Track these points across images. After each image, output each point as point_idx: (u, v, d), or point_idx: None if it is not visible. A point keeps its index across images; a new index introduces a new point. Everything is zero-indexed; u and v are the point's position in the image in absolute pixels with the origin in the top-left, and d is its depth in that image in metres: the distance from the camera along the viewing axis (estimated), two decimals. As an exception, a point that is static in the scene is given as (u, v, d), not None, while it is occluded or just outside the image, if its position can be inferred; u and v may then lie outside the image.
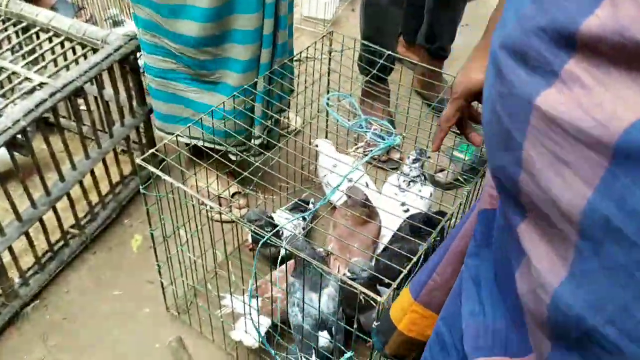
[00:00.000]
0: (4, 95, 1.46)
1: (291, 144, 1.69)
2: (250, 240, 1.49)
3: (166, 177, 1.09)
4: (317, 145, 1.63)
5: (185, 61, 1.45)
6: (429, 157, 1.53)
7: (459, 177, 1.75)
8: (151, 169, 1.10)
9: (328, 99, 1.30)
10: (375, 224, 1.45)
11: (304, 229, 1.55)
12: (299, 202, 1.64)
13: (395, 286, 0.93)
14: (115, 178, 1.66)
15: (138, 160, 1.12)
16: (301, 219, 1.57)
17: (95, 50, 1.57)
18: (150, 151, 1.15)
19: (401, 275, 0.95)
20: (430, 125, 1.54)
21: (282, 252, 1.45)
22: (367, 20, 1.82)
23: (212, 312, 1.29)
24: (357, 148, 1.21)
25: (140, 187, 1.15)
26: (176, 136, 1.22)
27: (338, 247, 1.43)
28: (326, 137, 1.71)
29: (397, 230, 1.44)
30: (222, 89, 1.49)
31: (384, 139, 1.19)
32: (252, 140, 1.53)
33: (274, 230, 1.04)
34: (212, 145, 1.42)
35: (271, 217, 1.45)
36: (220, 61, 1.45)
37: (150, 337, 1.39)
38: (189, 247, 1.25)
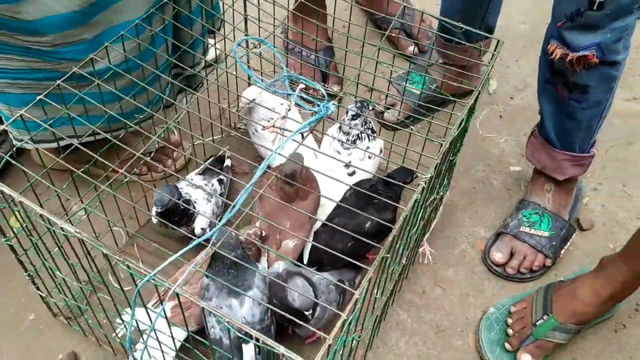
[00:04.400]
0: None
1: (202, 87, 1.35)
2: (155, 218, 1.19)
3: (3, 188, 0.76)
4: (249, 101, 1.23)
5: (66, 54, 1.00)
6: (373, 109, 1.21)
7: (412, 115, 1.48)
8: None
9: (238, 44, 0.95)
10: (312, 194, 1.17)
11: (221, 195, 1.26)
12: (212, 162, 1.33)
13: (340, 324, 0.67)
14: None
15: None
16: (217, 183, 1.27)
17: None
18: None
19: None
20: (377, 53, 1.19)
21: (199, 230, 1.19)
22: None
23: (107, 333, 1.02)
24: (275, 120, 0.91)
25: (-25, 191, 0.82)
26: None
27: (266, 227, 1.15)
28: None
29: (341, 201, 1.17)
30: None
31: (315, 103, 0.88)
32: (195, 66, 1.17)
33: (164, 264, 0.74)
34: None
35: (181, 196, 1.14)
36: (113, 30, 1.01)
37: (35, 352, 1.11)
38: (63, 252, 0.94)
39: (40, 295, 1.07)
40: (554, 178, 1.28)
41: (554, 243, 1.26)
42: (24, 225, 0.88)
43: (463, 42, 1.30)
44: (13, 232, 0.88)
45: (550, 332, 1.09)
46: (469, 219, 1.37)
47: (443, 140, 0.86)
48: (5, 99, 1.05)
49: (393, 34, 1.67)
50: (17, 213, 0.85)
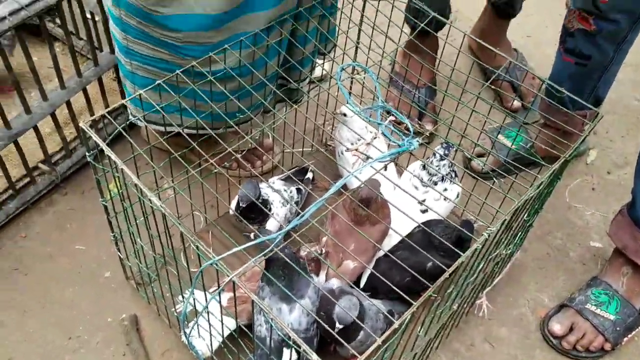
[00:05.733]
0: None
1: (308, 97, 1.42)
2: (232, 211, 1.27)
3: (111, 154, 0.86)
4: (344, 114, 1.31)
5: (190, 51, 1.09)
6: (457, 149, 1.23)
7: (499, 168, 1.47)
8: (94, 136, 0.88)
9: (342, 69, 1.01)
10: (381, 223, 1.20)
11: (296, 203, 1.32)
12: (296, 172, 1.40)
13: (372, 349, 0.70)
14: (100, 112, 1.44)
15: (82, 125, 0.89)
16: (295, 191, 1.33)
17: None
18: (100, 113, 0.92)
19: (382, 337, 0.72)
20: (475, 102, 1.19)
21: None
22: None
23: (167, 306, 1.10)
24: (359, 145, 0.96)
25: (87, 154, 0.93)
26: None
27: (331, 244, 1.20)
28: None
29: (407, 236, 1.19)
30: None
31: (400, 137, 0.92)
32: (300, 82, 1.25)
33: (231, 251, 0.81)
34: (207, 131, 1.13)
35: (261, 195, 1.22)
36: (236, 37, 1.09)
37: (104, 307, 1.22)
38: (147, 223, 1.03)
39: (119, 257, 1.18)
40: (634, 262, 1.23)
41: (617, 328, 1.21)
42: (120, 191, 0.99)
43: (567, 108, 1.29)
44: (110, 195, 0.99)
45: None
46: (535, 284, 1.35)
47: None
48: (133, 79, 1.18)
49: (497, 86, 1.67)
50: (117, 179, 0.96)
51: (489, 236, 0.83)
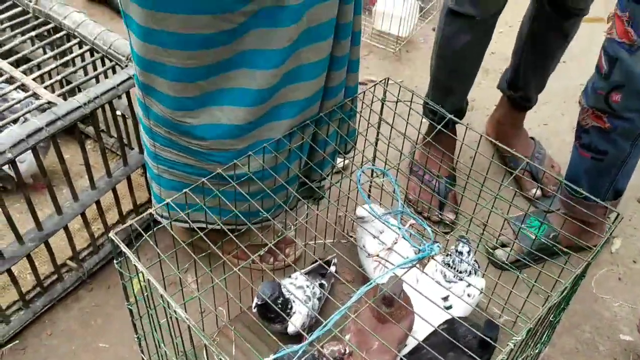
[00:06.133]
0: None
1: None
2: (255, 308, 1.28)
3: (138, 264, 0.89)
4: (361, 218, 1.31)
5: (215, 157, 1.14)
6: (478, 244, 1.24)
7: (523, 259, 1.46)
8: (123, 247, 0.91)
9: (362, 172, 1.04)
10: (405, 321, 1.19)
11: (319, 299, 1.32)
12: (319, 265, 1.41)
13: None
14: (127, 207, 1.49)
15: (111, 235, 0.93)
16: (317, 287, 1.34)
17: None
18: (127, 224, 0.95)
19: None
20: (494, 200, 1.20)
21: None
22: (440, 61, 1.52)
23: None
24: (381, 250, 0.98)
25: (115, 262, 0.96)
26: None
27: (356, 342, 1.19)
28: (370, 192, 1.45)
29: (432, 334, 1.18)
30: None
31: (420, 238, 0.93)
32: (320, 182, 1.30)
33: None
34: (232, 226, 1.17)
35: (282, 294, 1.23)
36: (260, 143, 1.14)
37: (126, 408, 1.22)
38: (170, 327, 1.04)
39: (142, 358, 1.18)
40: (666, 361, 1.19)
41: None
42: (145, 295, 1.00)
43: (589, 198, 1.29)
44: (135, 298, 1.00)
45: None
46: (565, 381, 1.31)
47: (549, 298, 0.86)
48: (159, 181, 1.23)
49: (518, 176, 1.69)
50: (141, 283, 0.98)
51: (514, 346, 0.82)
